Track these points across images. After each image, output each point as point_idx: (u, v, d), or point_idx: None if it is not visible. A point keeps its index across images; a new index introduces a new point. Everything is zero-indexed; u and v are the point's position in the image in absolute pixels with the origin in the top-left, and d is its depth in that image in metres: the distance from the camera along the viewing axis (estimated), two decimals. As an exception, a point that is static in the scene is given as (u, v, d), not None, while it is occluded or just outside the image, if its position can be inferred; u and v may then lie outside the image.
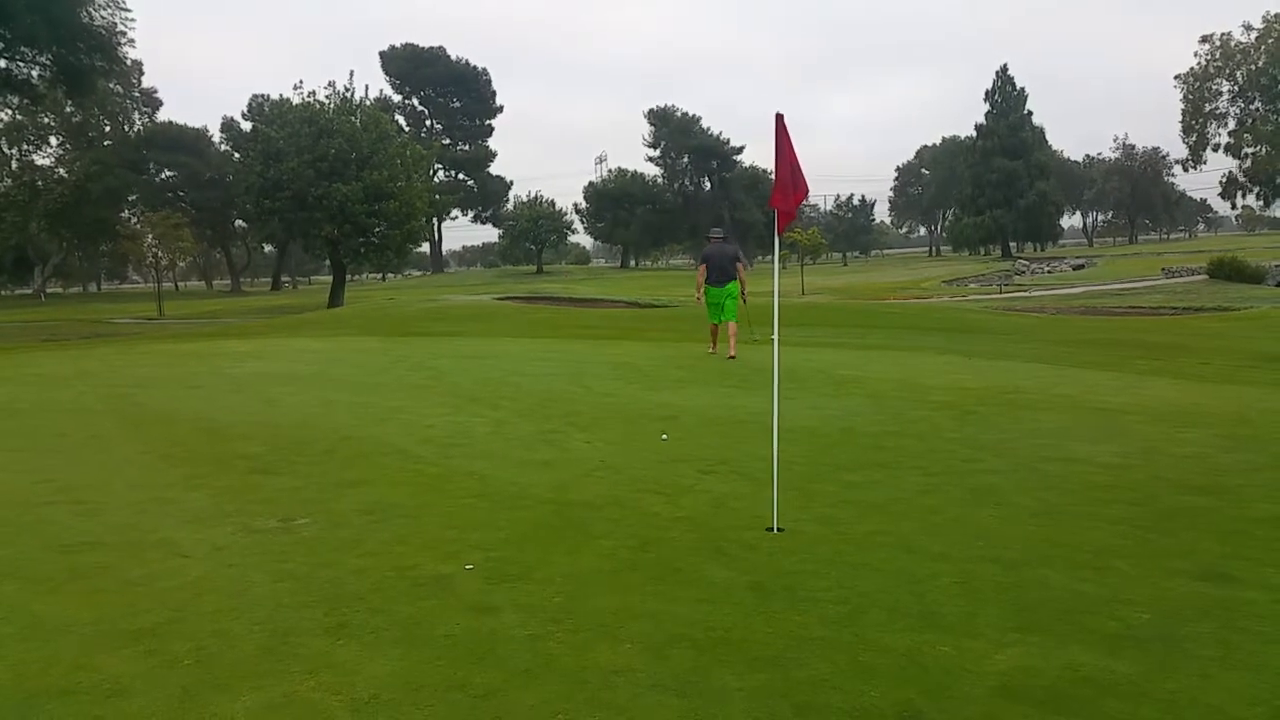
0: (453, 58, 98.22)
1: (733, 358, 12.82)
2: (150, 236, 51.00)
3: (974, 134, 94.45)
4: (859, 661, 3.26)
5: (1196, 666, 3.21)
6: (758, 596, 3.89)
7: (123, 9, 39.63)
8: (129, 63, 60.29)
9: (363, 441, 7.14)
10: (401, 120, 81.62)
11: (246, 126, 45.36)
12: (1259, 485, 5.65)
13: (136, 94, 71.40)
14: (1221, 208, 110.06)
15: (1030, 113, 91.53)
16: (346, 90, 41.96)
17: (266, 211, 41.38)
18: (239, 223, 77.97)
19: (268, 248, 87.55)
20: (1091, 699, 2.99)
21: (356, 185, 38.61)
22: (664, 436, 5.12)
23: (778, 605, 3.78)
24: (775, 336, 5.48)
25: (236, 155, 51.26)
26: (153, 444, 7.31)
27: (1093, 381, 10.50)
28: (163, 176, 79.59)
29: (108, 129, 68.67)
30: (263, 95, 51.91)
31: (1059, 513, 5.10)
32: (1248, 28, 74.79)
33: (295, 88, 41.95)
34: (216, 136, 77.39)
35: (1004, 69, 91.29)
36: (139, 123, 74.37)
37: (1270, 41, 73.35)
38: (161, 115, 78.35)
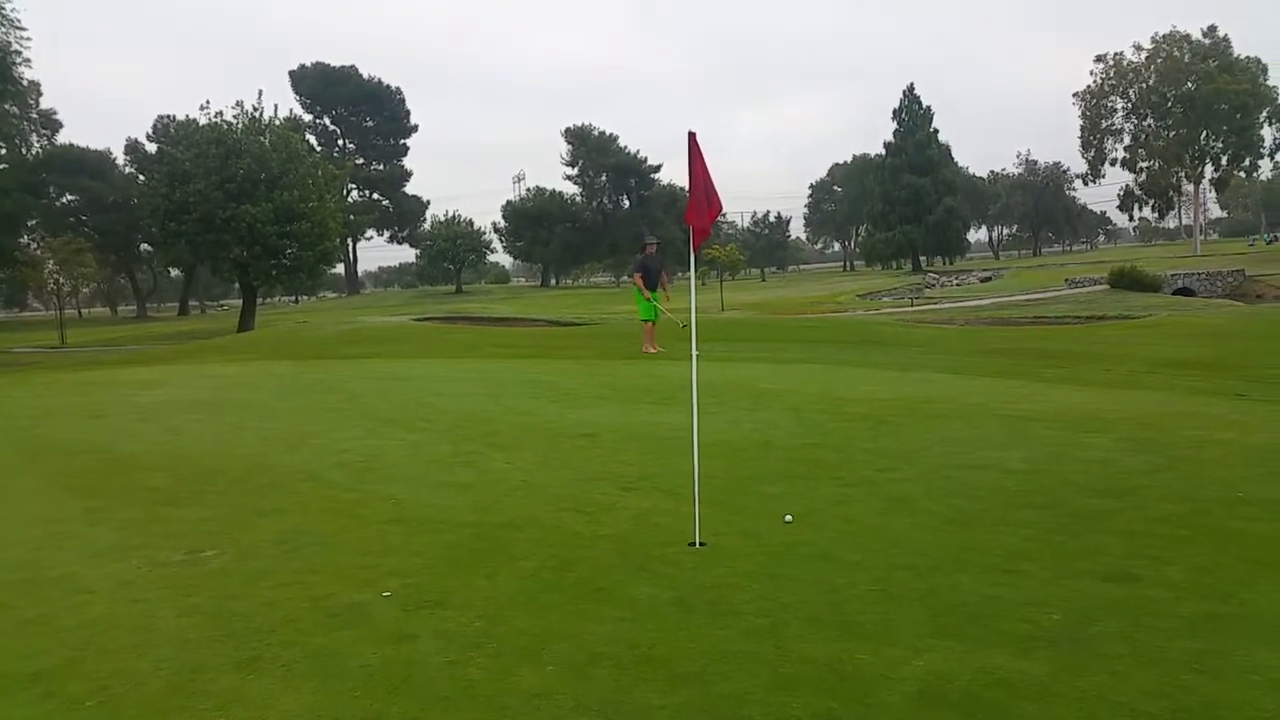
0: (365, 76, 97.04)
1: (651, 351, 16.57)
2: (51, 262, 49.11)
3: (883, 152, 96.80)
4: (780, 673, 3.28)
5: (1105, 665, 3.31)
6: (680, 612, 3.88)
7: (17, 28, 38.30)
8: (25, 83, 57.93)
9: (274, 469, 6.95)
10: (313, 140, 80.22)
11: (152, 148, 43.97)
12: (1160, 486, 5.86)
13: (34, 115, 68.42)
14: (1120, 220, 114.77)
15: (936, 131, 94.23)
16: (255, 110, 41.09)
17: (172, 234, 40.15)
18: (144, 247, 75.49)
19: (174, 272, 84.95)
20: (1006, 701, 3.05)
21: (266, 206, 37.73)
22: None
23: (700, 620, 3.79)
24: (694, 353, 5.51)
25: (141, 178, 49.67)
26: (53, 476, 7.02)
27: (1001, 390, 10.79)
28: (64, 200, 76.74)
29: (3, 151, 65.85)
30: (168, 116, 50.72)
31: (970, 518, 5.22)
32: (1138, 48, 78.46)
33: (202, 108, 40.83)
34: (120, 159, 75.05)
35: (910, 88, 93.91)
36: (37, 145, 71.28)
37: (1159, 61, 76.99)
38: (62, 137, 75.44)
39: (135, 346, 36.09)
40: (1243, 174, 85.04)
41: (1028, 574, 4.27)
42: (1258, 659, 3.33)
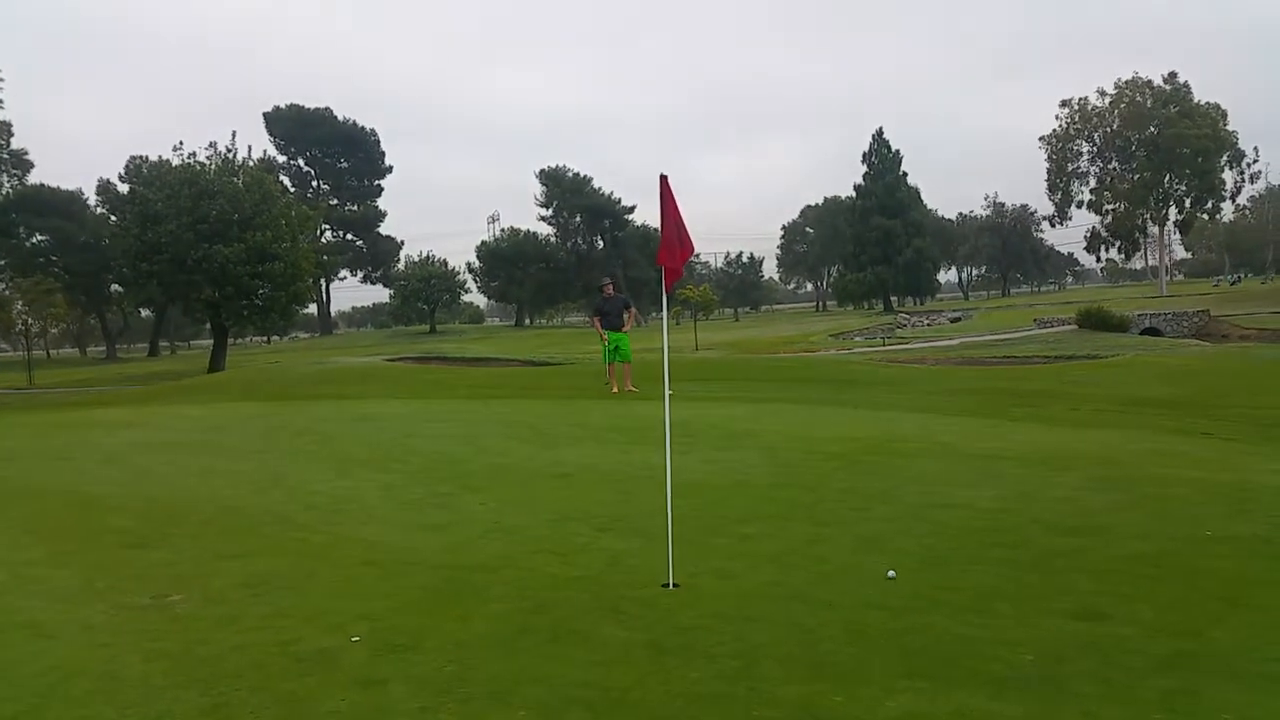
0: (339, 118, 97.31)
1: (633, 390, 16.46)
2: (19, 303, 48.62)
3: (854, 194, 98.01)
4: (753, 716, 3.26)
5: (1078, 704, 3.32)
6: (653, 654, 3.86)
7: (-11, 69, 38.19)
8: (-3, 123, 57.80)
9: (243, 511, 6.87)
10: (287, 181, 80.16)
11: (123, 189, 43.68)
12: (1128, 524, 5.92)
13: (5, 155, 68.22)
14: (1087, 261, 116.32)
15: (905, 174, 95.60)
16: (229, 151, 41.14)
17: (144, 275, 39.92)
18: (115, 287, 74.83)
19: (145, 312, 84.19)
20: (979, 741, 3.05)
21: (239, 246, 37.63)
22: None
23: (673, 662, 3.77)
24: (667, 392, 5.53)
25: (113, 218, 49.34)
26: (17, 519, 6.89)
27: (971, 429, 10.87)
28: (34, 241, 75.94)
29: (-27, 192, 65.40)
30: (141, 157, 50.33)
31: (942, 558, 5.24)
32: (1102, 93, 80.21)
33: (175, 149, 40.74)
34: (92, 199, 74.45)
35: (880, 132, 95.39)
36: (8, 185, 70.95)
37: (1122, 106, 78.72)
38: (33, 178, 74.87)
39: (104, 387, 35.63)
40: (1205, 216, 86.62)
41: (999, 613, 4.29)
42: (1227, 697, 3.35)
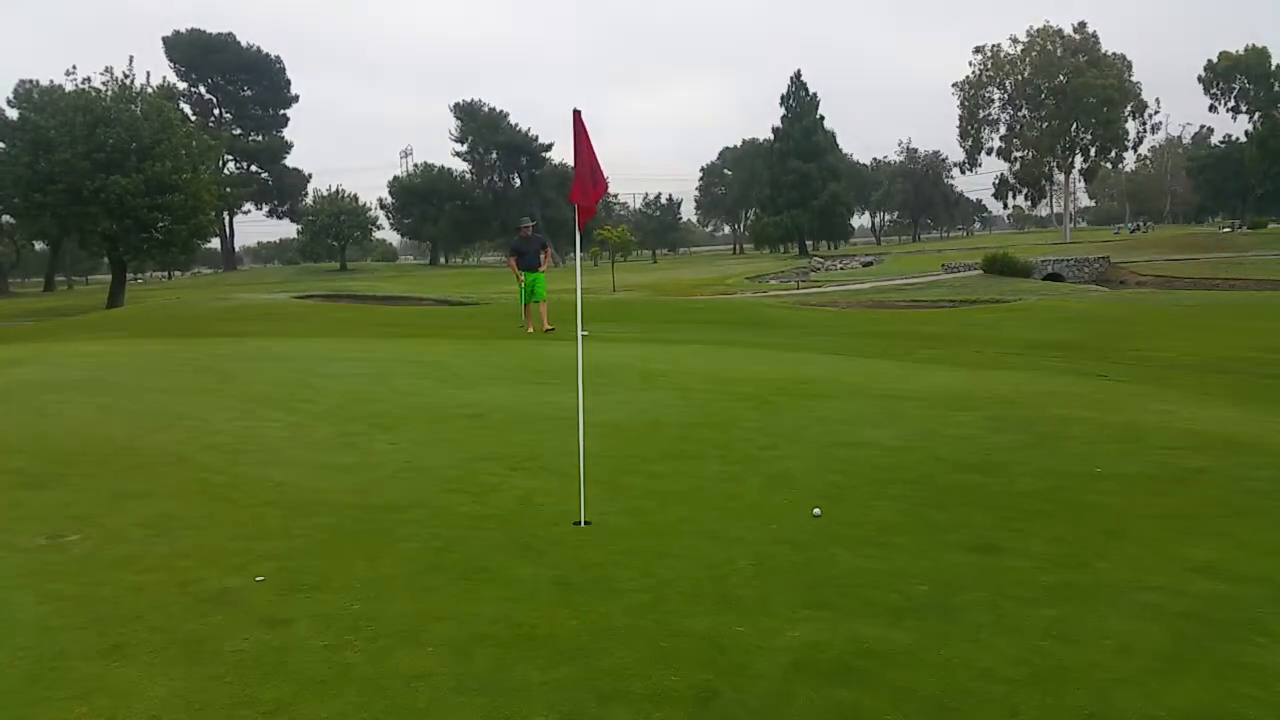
0: (243, 44, 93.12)
1: (551, 330, 16.48)
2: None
3: (772, 137, 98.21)
4: (660, 647, 3.33)
5: (969, 633, 3.47)
6: (563, 591, 3.90)
7: None
8: None
9: (142, 451, 6.65)
10: (187, 109, 76.65)
11: (12, 114, 41.07)
12: (1024, 463, 6.15)
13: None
14: (995, 207, 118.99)
15: (822, 118, 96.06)
16: (126, 77, 39.07)
17: (36, 206, 37.89)
18: (5, 218, 70.99)
19: (39, 245, 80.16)
20: (875, 669, 3.17)
21: (137, 177, 35.93)
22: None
23: (583, 598, 3.81)
24: (581, 333, 5.51)
25: (1, 145, 46.60)
26: (-105, 461, 6.55)
27: (878, 370, 11.13)
28: (-90, 167, 71.35)
29: None
30: (31, 81, 47.29)
31: (846, 494, 5.39)
32: (1015, 41, 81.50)
33: (69, 73, 38.54)
34: (-24, 125, 70.05)
35: (798, 75, 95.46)
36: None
37: (1034, 54, 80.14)
38: (-93, 98, 70.09)
39: (-7, 323, 34.02)
40: (1109, 165, 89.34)
41: (898, 546, 4.44)
42: (1108, 624, 3.54)
